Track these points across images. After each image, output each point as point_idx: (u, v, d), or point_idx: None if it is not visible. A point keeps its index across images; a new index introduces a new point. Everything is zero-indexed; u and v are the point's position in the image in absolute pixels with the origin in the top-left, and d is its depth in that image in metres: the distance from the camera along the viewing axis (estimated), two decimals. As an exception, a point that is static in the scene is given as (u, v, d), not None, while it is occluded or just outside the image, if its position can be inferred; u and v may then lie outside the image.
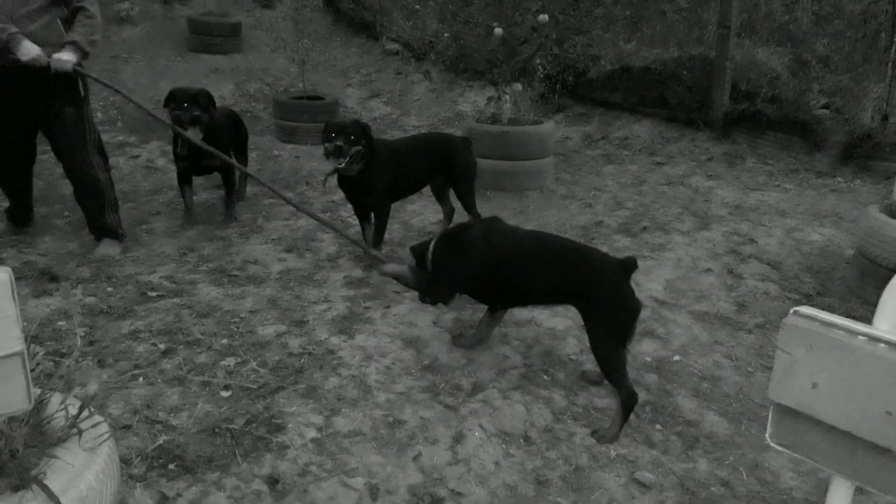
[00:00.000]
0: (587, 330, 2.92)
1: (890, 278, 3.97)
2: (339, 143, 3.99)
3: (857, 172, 6.32)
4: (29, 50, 3.84)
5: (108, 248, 4.33)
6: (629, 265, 2.87)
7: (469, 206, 4.72)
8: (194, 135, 4.52)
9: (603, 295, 2.86)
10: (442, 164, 4.62)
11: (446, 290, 3.23)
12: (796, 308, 1.50)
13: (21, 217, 4.62)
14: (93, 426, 1.76)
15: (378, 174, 4.23)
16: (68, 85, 4.07)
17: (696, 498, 2.51)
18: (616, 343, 2.83)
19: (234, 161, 4.64)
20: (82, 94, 4.18)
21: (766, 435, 1.55)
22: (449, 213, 4.96)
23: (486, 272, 3.10)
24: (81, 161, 4.24)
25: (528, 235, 3.30)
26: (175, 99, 4.61)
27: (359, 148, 4.07)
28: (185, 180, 4.99)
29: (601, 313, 2.87)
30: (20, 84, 3.97)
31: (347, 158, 4.03)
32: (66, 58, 3.94)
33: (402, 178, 4.45)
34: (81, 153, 4.23)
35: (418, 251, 3.26)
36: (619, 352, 2.83)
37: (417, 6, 7.97)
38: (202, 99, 4.66)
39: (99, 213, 4.33)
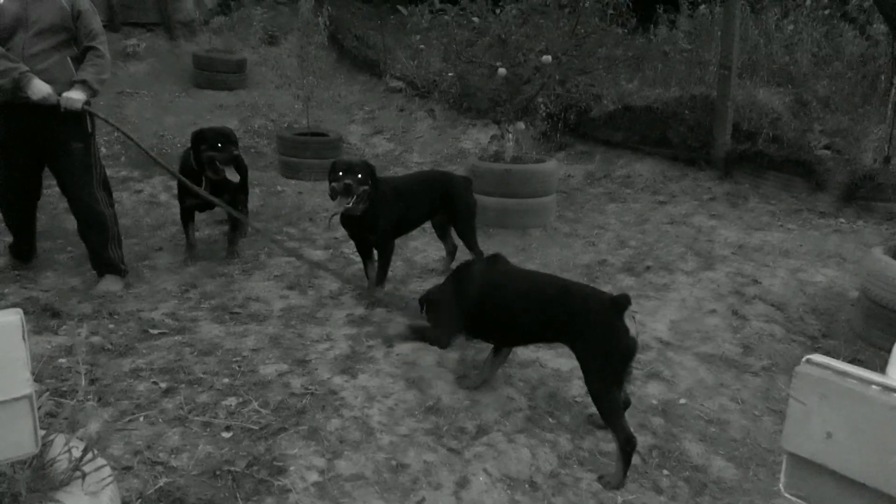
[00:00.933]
0: (582, 370, 2.90)
1: (895, 321, 3.93)
2: (347, 181, 4.01)
3: (859, 213, 6.33)
4: (40, 89, 3.89)
5: (111, 284, 4.32)
6: (621, 302, 2.80)
7: (471, 245, 4.73)
8: (231, 174, 4.64)
9: (594, 333, 2.83)
10: (443, 201, 4.65)
11: (444, 331, 3.25)
12: (809, 356, 1.48)
13: (24, 252, 4.62)
14: (96, 469, 1.73)
15: (381, 212, 4.26)
16: (76, 121, 4.11)
17: (706, 546, 2.47)
18: (609, 383, 2.79)
19: (235, 211, 4.69)
20: (89, 130, 4.21)
21: (780, 485, 1.52)
22: (451, 251, 4.97)
23: (478, 310, 3.12)
24: (87, 196, 4.26)
25: (520, 273, 3.32)
26: (204, 139, 4.66)
27: (366, 188, 4.10)
28: (188, 217, 5.00)
29: (593, 352, 2.84)
30: (29, 120, 4.01)
31: (354, 198, 4.05)
32: (76, 96, 3.99)
33: (404, 215, 4.48)
34: (87, 189, 4.25)
35: (425, 299, 3.41)
36: (612, 392, 2.78)
37: (422, 46, 8.07)
38: (224, 139, 4.69)
39: (102, 248, 4.33)
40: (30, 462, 1.65)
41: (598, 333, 2.81)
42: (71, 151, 4.15)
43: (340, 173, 4.04)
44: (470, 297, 3.17)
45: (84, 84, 4.03)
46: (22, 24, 3.95)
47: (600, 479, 2.75)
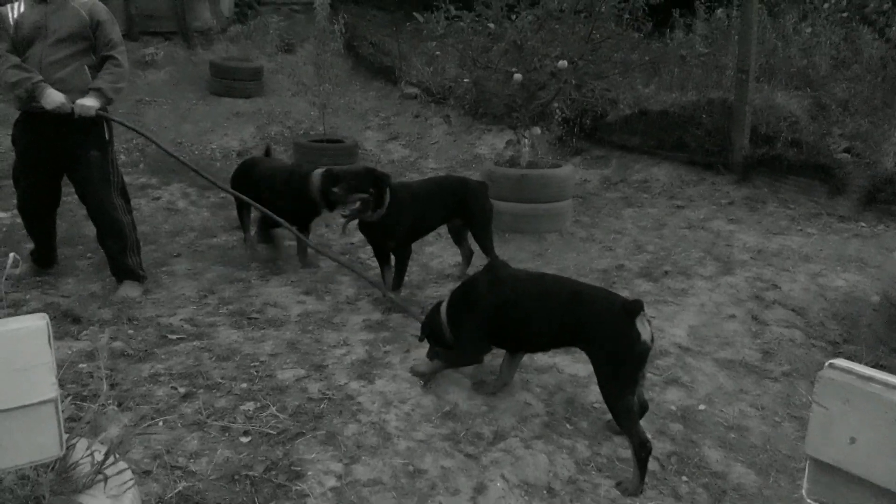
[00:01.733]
0: (595, 373, 2.89)
1: (919, 326, 3.86)
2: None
3: (880, 217, 6.26)
4: (53, 99, 3.94)
5: (129, 290, 4.36)
6: (634, 307, 2.80)
7: (487, 249, 4.73)
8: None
9: (605, 338, 2.82)
10: (459, 206, 4.66)
11: (473, 349, 3.27)
12: (832, 361, 1.47)
13: (45, 259, 4.68)
14: (118, 473, 1.74)
15: (398, 217, 4.28)
16: (94, 129, 4.16)
17: (726, 553, 2.44)
18: (622, 388, 2.78)
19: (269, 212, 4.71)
20: (107, 137, 4.26)
21: (803, 491, 1.51)
22: (468, 256, 4.97)
23: (496, 319, 3.12)
24: (105, 203, 4.30)
25: (532, 279, 3.31)
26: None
27: (364, 196, 4.13)
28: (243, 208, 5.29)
29: (605, 357, 2.83)
30: (47, 128, 4.07)
31: (356, 206, 4.15)
32: (90, 104, 4.04)
33: (420, 219, 4.50)
34: (105, 196, 4.30)
35: (429, 322, 3.41)
36: (625, 397, 2.77)
37: (437, 52, 8.10)
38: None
39: (121, 254, 4.38)
40: (53, 465, 1.67)
41: (609, 338, 2.81)
42: (88, 160, 4.21)
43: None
44: (486, 311, 3.18)
45: (98, 92, 4.09)
46: (41, 33, 4.01)
47: (618, 485, 2.73)
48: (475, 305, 3.22)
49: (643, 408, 2.95)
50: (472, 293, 3.27)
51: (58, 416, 1.37)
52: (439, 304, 3.42)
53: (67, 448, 1.70)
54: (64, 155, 4.21)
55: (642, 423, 2.86)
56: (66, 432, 1.76)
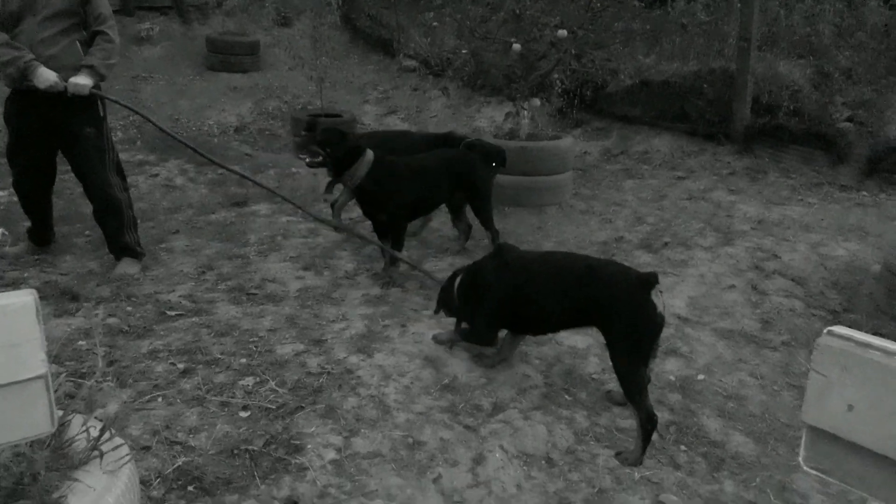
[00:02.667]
0: (608, 347, 2.87)
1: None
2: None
3: (882, 186, 6.21)
4: (46, 77, 3.89)
5: (128, 267, 4.35)
6: (650, 280, 2.80)
7: (487, 223, 4.70)
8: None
9: (622, 311, 2.81)
10: (461, 181, 4.60)
11: (485, 334, 3.27)
12: (830, 328, 1.45)
13: (42, 237, 4.66)
14: (114, 448, 1.74)
15: (388, 191, 4.24)
16: (88, 106, 4.11)
17: (725, 521, 2.45)
18: (637, 361, 2.77)
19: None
20: (101, 114, 4.22)
21: (800, 458, 1.50)
22: (466, 230, 4.94)
23: (508, 305, 3.10)
24: (101, 181, 4.27)
25: (541, 259, 3.27)
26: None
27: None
28: None
29: (623, 331, 2.81)
30: (40, 105, 4.03)
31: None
32: (83, 82, 3.98)
33: (420, 197, 4.45)
34: (101, 173, 4.27)
35: (443, 297, 3.42)
36: (640, 370, 2.77)
37: (435, 23, 8.00)
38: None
39: (118, 232, 4.36)
40: (48, 442, 1.67)
41: (626, 313, 2.79)
42: (83, 137, 4.16)
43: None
44: (498, 298, 3.16)
45: (91, 69, 4.02)
46: (30, 9, 3.94)
47: (618, 455, 2.74)
48: (485, 293, 3.19)
49: (647, 380, 2.95)
50: (481, 280, 3.24)
51: (48, 393, 1.36)
52: (453, 277, 3.38)
53: (62, 425, 1.70)
54: (59, 132, 4.17)
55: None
56: (60, 409, 1.76)
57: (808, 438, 1.47)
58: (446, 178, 4.56)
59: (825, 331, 1.44)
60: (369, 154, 4.22)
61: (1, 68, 4.02)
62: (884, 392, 1.33)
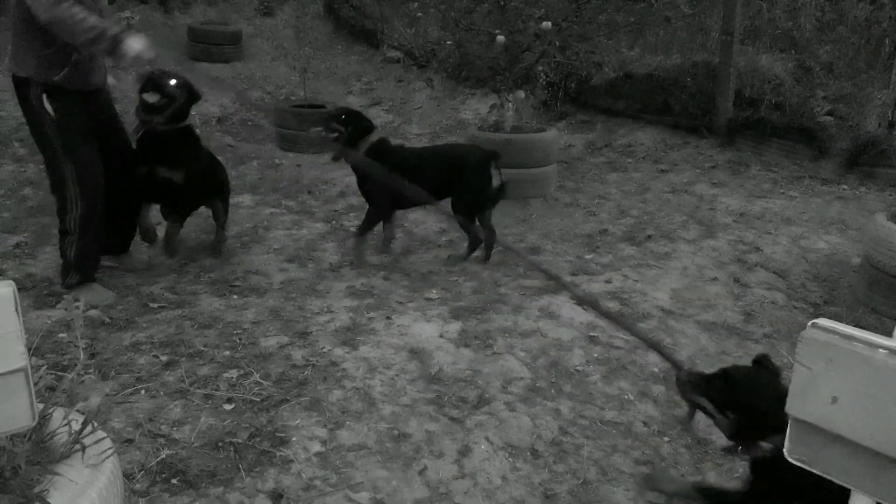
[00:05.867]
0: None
1: (898, 287, 3.90)
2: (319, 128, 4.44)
3: (862, 180, 6.29)
4: (133, 45, 3.34)
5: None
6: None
7: (465, 222, 4.51)
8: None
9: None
10: (456, 180, 4.42)
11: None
12: (815, 320, 1.46)
13: (124, 243, 4.26)
14: (96, 442, 1.72)
15: (387, 171, 4.24)
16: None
17: (708, 512, 2.47)
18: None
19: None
20: None
21: (784, 450, 1.51)
22: (477, 238, 4.60)
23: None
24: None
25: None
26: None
27: (337, 133, 4.34)
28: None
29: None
30: (87, 96, 3.65)
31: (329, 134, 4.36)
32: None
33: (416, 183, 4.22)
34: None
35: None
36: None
37: (419, 14, 7.96)
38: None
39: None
40: (29, 436, 1.64)
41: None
42: (120, 124, 4.03)
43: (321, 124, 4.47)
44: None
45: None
46: None
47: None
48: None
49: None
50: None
51: (28, 386, 1.34)
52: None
53: (43, 418, 1.67)
54: (105, 121, 3.83)
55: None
56: (41, 402, 1.73)
57: (793, 430, 1.49)
58: (435, 177, 4.37)
59: (809, 323, 1.46)
60: (377, 133, 4.43)
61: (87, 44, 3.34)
62: (868, 384, 1.34)
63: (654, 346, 2.92)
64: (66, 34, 3.28)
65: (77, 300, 2.12)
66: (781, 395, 1.85)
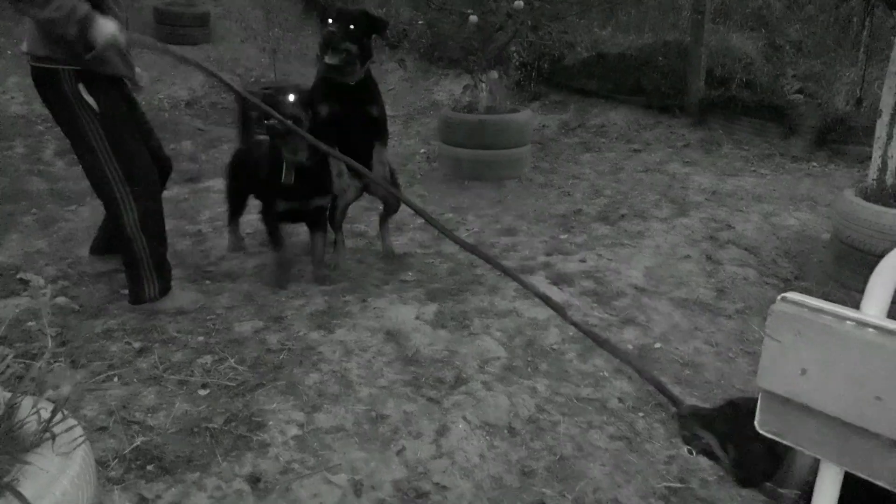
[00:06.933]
0: None
1: (865, 261, 4.00)
2: (332, 29, 3.50)
3: (831, 157, 6.38)
4: (105, 27, 2.97)
5: None
6: None
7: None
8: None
9: None
10: None
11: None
12: (784, 294, 1.48)
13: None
14: (67, 430, 1.69)
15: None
16: None
17: (684, 484, 2.51)
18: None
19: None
20: None
21: (755, 422, 1.53)
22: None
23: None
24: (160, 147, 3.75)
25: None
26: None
27: (353, 46, 3.57)
28: None
29: None
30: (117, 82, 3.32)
31: (343, 55, 3.54)
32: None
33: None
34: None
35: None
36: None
37: (390, -6, 7.89)
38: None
39: None
40: (-3, 425, 1.61)
41: None
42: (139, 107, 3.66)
43: (330, 20, 3.56)
44: None
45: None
46: None
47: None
48: None
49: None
50: None
51: (-6, 374, 1.31)
52: None
53: (11, 407, 1.64)
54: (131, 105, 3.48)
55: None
56: (9, 391, 1.70)
57: (764, 403, 1.51)
58: None
59: (779, 297, 1.47)
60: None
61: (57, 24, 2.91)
62: (835, 356, 1.36)
63: (650, 380, 2.40)
64: (31, 8, 2.93)
65: (44, 288, 2.06)
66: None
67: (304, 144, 3.43)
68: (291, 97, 3.46)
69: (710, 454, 1.91)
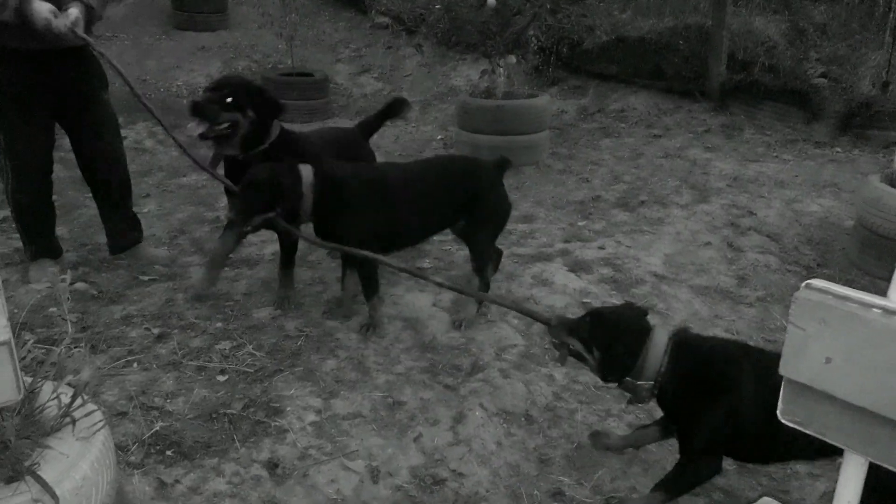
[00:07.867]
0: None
1: (891, 248, 3.93)
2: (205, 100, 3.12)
3: (855, 142, 6.26)
4: (38, 10, 3.02)
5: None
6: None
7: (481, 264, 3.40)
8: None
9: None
10: (467, 203, 3.32)
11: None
12: (808, 281, 1.45)
13: (54, 246, 3.81)
14: (87, 415, 1.71)
15: (351, 216, 3.07)
16: (97, 63, 3.58)
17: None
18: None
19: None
20: (103, 70, 3.67)
21: (778, 412, 1.51)
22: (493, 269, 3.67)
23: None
24: (118, 155, 3.78)
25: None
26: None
27: (236, 116, 3.12)
28: None
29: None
30: (51, 67, 3.37)
31: (221, 126, 3.12)
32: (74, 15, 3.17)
33: (398, 220, 3.21)
34: (119, 147, 3.78)
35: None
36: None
37: (407, -22, 7.83)
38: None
39: (128, 205, 3.91)
40: (18, 409, 1.63)
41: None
42: (101, 102, 3.63)
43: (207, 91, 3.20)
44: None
45: (81, 3, 3.26)
46: None
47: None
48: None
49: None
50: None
51: (13, 360, 1.32)
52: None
53: (31, 391, 1.66)
54: (70, 98, 3.49)
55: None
56: (29, 376, 1.72)
57: (787, 391, 1.48)
58: (442, 198, 3.35)
59: (803, 284, 1.44)
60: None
61: None
62: (861, 344, 1.33)
63: (518, 308, 2.81)
64: None
65: (63, 274, 2.07)
66: (642, 330, 2.23)
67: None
68: (229, 99, 3.13)
69: (578, 356, 2.27)
